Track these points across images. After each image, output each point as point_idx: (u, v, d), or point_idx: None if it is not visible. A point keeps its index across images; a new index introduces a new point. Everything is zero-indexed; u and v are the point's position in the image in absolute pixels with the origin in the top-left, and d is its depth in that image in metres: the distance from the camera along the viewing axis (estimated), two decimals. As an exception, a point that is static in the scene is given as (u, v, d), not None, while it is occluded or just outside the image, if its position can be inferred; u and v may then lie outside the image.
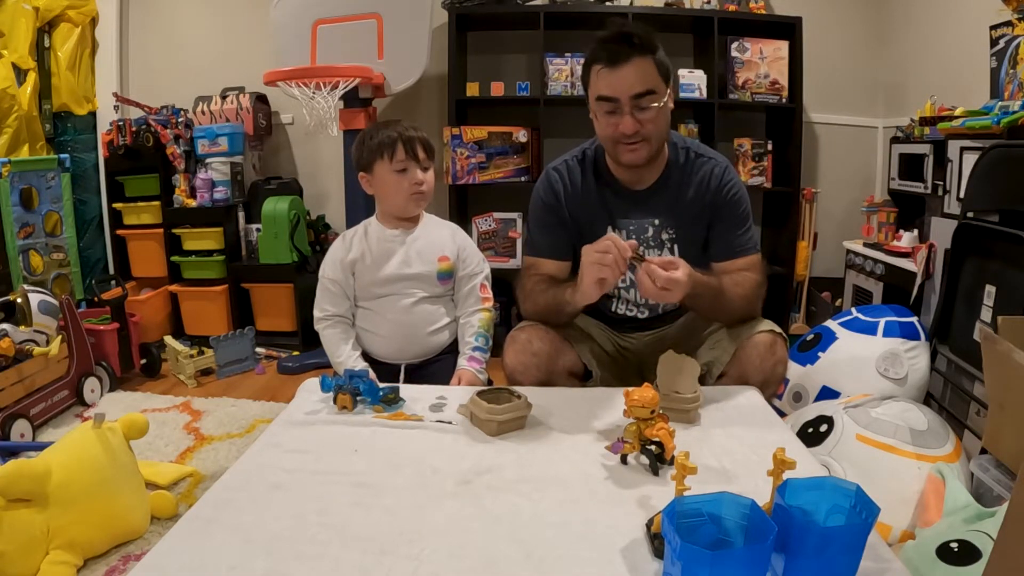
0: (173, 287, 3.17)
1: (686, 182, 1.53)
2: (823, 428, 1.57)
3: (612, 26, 1.44)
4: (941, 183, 2.31)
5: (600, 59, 1.42)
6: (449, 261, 1.68)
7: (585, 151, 1.59)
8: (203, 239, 3.13)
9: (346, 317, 1.69)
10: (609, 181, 1.56)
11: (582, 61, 1.51)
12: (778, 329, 1.47)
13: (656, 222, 1.55)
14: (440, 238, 1.70)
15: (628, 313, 1.63)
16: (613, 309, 1.64)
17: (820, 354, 2.03)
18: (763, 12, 3.13)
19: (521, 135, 3.04)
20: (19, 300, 2.28)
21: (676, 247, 1.56)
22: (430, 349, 1.70)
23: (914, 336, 1.97)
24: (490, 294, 1.73)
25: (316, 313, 1.68)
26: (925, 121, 2.53)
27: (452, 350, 1.72)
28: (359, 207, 2.64)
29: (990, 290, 1.72)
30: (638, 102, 1.40)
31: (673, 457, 1.02)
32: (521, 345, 1.49)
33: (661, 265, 1.27)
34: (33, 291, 2.36)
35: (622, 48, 1.39)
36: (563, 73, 3.02)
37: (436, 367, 1.69)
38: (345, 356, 1.63)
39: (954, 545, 1.13)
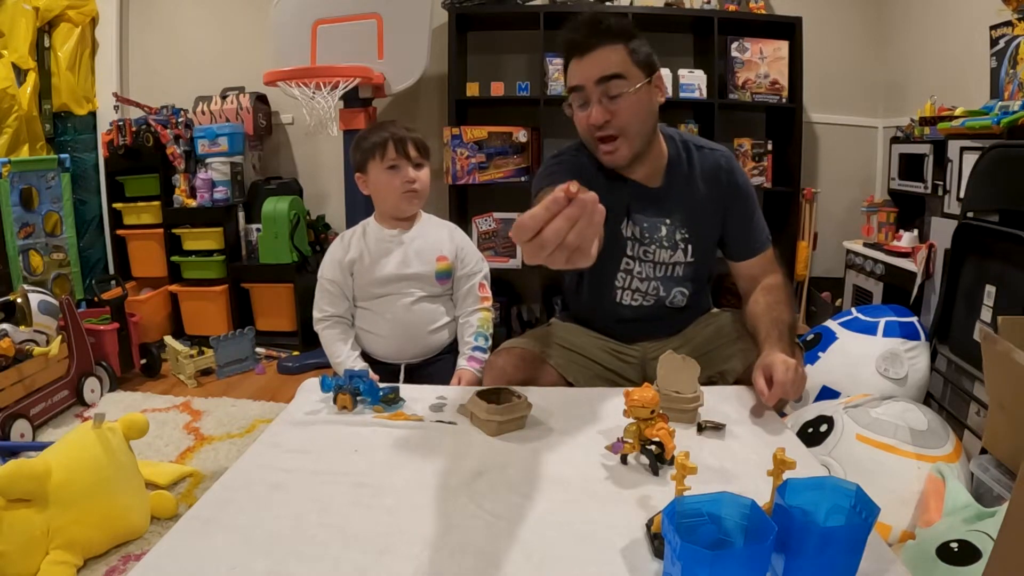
0: (173, 287, 3.17)
1: (694, 177, 1.48)
2: (823, 428, 1.57)
3: (583, 15, 1.38)
4: (941, 183, 2.31)
5: (570, 51, 1.37)
6: (447, 261, 1.68)
7: (579, 146, 1.51)
8: (203, 239, 3.13)
9: (345, 318, 1.69)
10: (622, 176, 1.48)
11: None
12: (792, 361, 1.45)
13: (667, 221, 1.50)
14: (438, 238, 1.70)
15: (634, 303, 1.57)
16: (619, 300, 1.57)
17: (820, 354, 2.04)
18: (763, 12, 3.13)
19: (521, 135, 3.04)
20: (19, 300, 2.28)
21: (690, 247, 1.52)
22: (430, 349, 1.70)
23: (914, 336, 1.97)
24: (489, 293, 1.73)
25: (315, 314, 1.69)
26: (925, 121, 2.53)
27: (452, 350, 1.72)
28: (359, 207, 2.64)
29: (990, 290, 1.72)
30: (605, 88, 1.33)
31: (673, 457, 1.02)
32: (497, 373, 1.46)
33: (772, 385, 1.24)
34: (33, 291, 2.36)
35: (589, 35, 1.34)
36: (563, 73, 3.02)
37: (436, 367, 1.69)
38: (344, 356, 1.63)
39: (954, 545, 1.13)
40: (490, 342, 1.68)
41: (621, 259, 1.54)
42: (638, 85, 1.35)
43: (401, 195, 1.63)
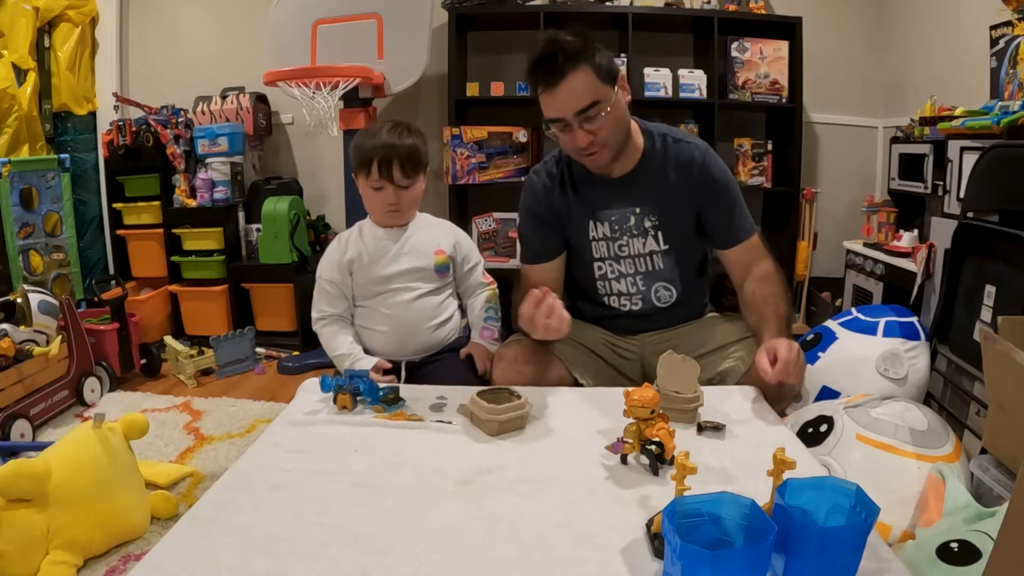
0: (173, 287, 3.17)
1: (667, 167, 1.54)
2: (823, 428, 1.57)
3: (540, 44, 1.43)
4: (941, 183, 2.31)
5: (538, 83, 1.42)
6: (445, 254, 1.70)
7: (562, 151, 1.60)
8: (203, 239, 3.13)
9: (344, 317, 1.69)
10: (586, 174, 1.57)
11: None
12: (796, 344, 1.46)
13: (637, 210, 1.55)
14: (435, 234, 1.73)
15: (623, 307, 1.63)
16: (608, 303, 1.64)
17: (820, 354, 2.03)
18: (763, 12, 3.13)
19: (521, 135, 3.04)
20: (19, 300, 2.27)
21: (660, 234, 1.57)
22: (431, 345, 1.70)
23: (914, 336, 1.96)
24: (491, 277, 1.80)
25: (314, 314, 1.70)
26: (925, 121, 2.53)
27: (453, 347, 1.72)
28: (359, 207, 2.61)
29: (990, 290, 1.72)
30: (584, 116, 1.40)
31: (673, 457, 1.02)
32: (508, 363, 1.51)
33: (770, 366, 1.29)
34: (33, 291, 2.36)
35: (553, 66, 1.38)
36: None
37: (437, 366, 1.69)
38: (347, 347, 1.64)
39: (954, 545, 1.13)
40: (500, 314, 1.75)
41: (592, 265, 1.61)
42: (613, 101, 1.42)
43: (383, 213, 1.66)
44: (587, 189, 1.57)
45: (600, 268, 1.61)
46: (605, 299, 1.63)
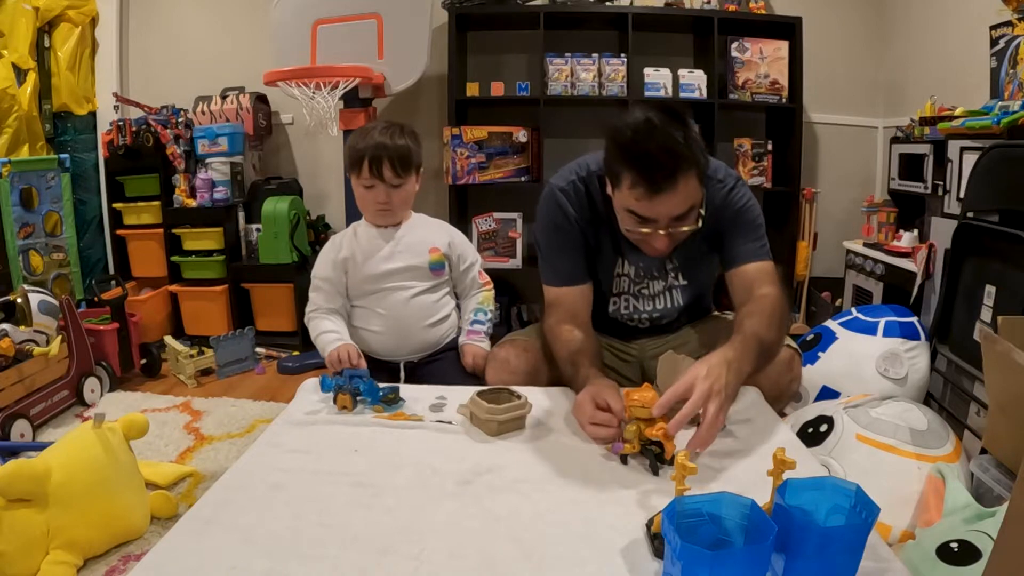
0: (173, 287, 3.17)
1: None
2: (823, 428, 1.57)
3: (647, 139, 1.22)
4: (941, 183, 2.31)
5: (638, 183, 1.23)
6: (439, 252, 1.71)
7: (590, 174, 1.47)
8: (203, 239, 3.13)
9: (339, 313, 1.70)
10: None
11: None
12: (794, 344, 1.46)
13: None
14: (429, 233, 1.74)
15: (629, 323, 1.63)
16: (618, 320, 1.63)
17: (820, 354, 2.03)
18: (763, 12, 3.13)
19: (521, 135, 3.04)
20: (19, 300, 2.27)
21: (681, 274, 1.55)
22: (428, 344, 1.71)
23: (914, 336, 1.97)
24: (487, 277, 1.81)
25: (307, 309, 1.71)
26: (925, 121, 2.53)
27: (452, 347, 1.73)
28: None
29: (990, 290, 1.72)
30: (677, 219, 1.29)
31: (673, 457, 1.02)
32: (500, 363, 1.50)
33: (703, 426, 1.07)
34: (33, 291, 2.36)
35: (665, 173, 1.21)
36: (563, 73, 3.02)
37: (436, 365, 1.70)
38: (331, 327, 1.64)
39: (954, 545, 1.13)
40: (489, 315, 1.76)
41: (609, 300, 1.58)
42: (703, 200, 1.33)
43: (375, 212, 1.67)
44: (619, 233, 1.45)
45: (615, 303, 1.59)
46: (616, 315, 1.62)
